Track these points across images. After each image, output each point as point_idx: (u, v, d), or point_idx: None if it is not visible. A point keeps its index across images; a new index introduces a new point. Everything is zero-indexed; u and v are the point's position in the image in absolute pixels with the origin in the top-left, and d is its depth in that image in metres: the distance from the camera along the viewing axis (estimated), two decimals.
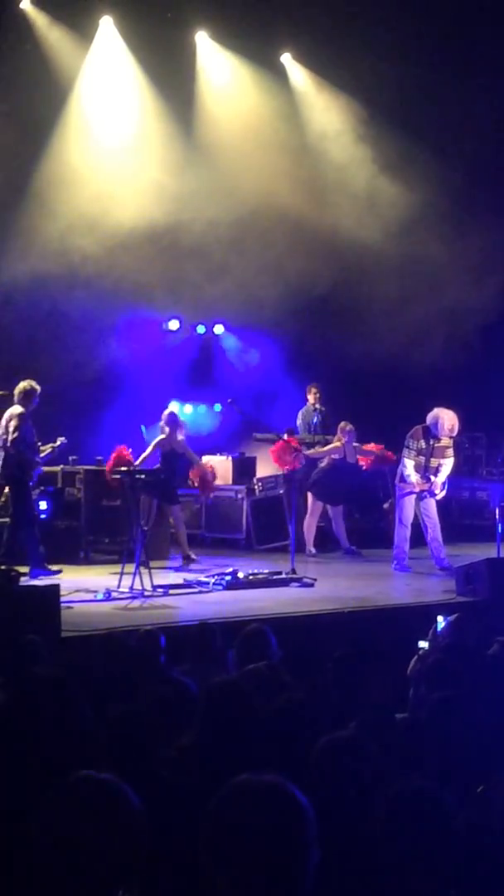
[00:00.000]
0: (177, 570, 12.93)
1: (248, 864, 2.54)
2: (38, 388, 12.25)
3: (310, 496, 14.51)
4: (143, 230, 15.53)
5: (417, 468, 12.85)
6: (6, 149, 15.03)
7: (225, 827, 2.60)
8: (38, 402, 12.24)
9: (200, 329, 17.59)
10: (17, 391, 12.18)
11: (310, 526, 14.45)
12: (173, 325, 17.19)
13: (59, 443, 12.77)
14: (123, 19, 15.66)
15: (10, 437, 11.95)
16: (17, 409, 12.09)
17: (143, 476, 12.25)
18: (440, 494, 13.06)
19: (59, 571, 11.78)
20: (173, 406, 14.54)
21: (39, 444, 12.38)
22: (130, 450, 12.97)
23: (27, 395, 12.15)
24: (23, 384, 12.22)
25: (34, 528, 12.08)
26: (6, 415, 12.15)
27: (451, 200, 16.11)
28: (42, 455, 12.41)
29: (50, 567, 11.91)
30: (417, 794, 3.46)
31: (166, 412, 13.81)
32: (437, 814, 3.37)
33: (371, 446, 14.47)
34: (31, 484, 12.23)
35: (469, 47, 15.76)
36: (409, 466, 12.84)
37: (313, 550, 14.26)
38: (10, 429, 11.97)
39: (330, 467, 14.36)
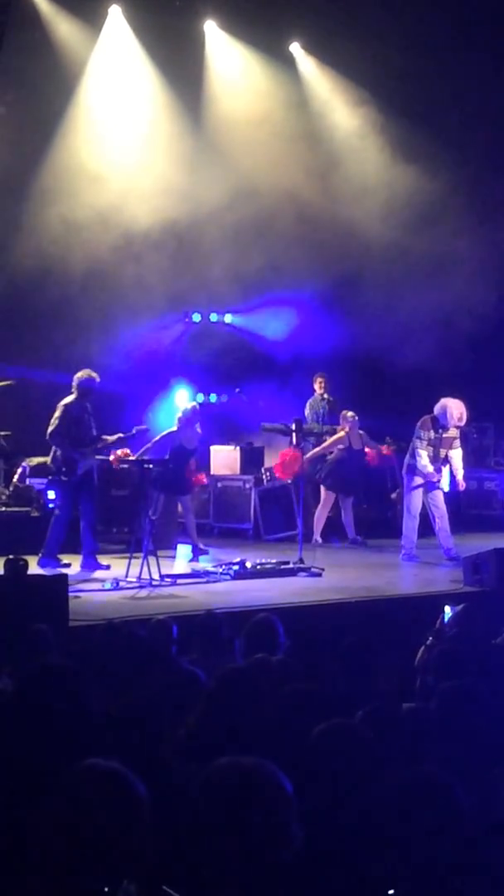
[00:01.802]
0: (193, 559, 12.94)
1: (229, 841, 2.57)
2: (95, 376, 12.10)
3: (322, 489, 14.55)
4: (152, 222, 15.51)
5: (429, 458, 12.85)
6: (13, 139, 15.02)
7: (208, 806, 2.63)
8: (95, 391, 12.11)
9: (213, 317, 17.56)
10: (74, 379, 12.05)
11: (320, 517, 14.51)
12: (183, 315, 17.18)
13: (134, 431, 12.58)
14: (131, 8, 15.63)
15: (48, 430, 11.89)
16: (66, 399, 11.98)
17: (151, 466, 12.22)
18: (446, 487, 13.07)
19: (68, 565, 11.74)
20: (184, 396, 14.49)
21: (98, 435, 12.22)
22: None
23: (79, 386, 12.01)
24: (79, 374, 12.09)
25: (65, 522, 11.93)
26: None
27: (462, 191, 16.08)
28: (103, 445, 12.22)
29: (61, 560, 11.89)
30: (426, 781, 3.47)
31: (188, 406, 13.61)
32: (445, 801, 3.38)
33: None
34: (71, 478, 11.91)
35: (480, 35, 15.71)
36: (423, 457, 12.81)
37: (319, 540, 14.27)
38: (52, 420, 11.89)
39: (338, 458, 14.45)
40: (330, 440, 14.63)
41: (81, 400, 12.05)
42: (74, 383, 12.07)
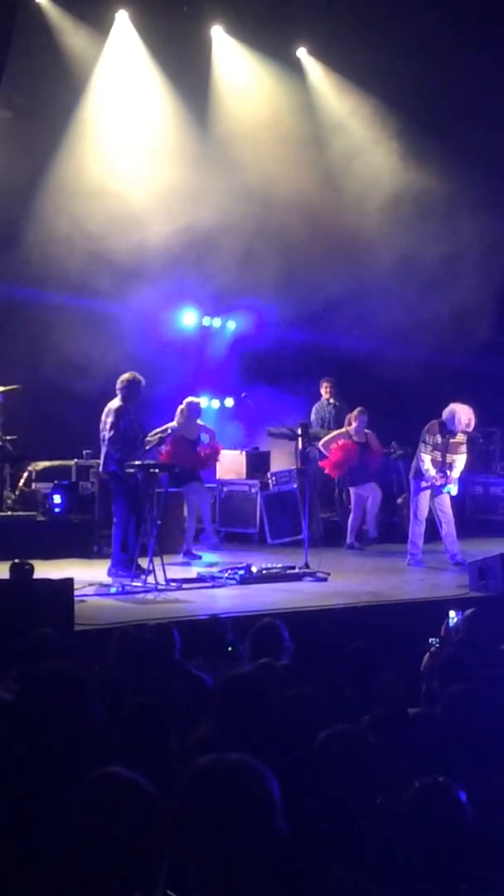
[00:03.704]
0: (185, 564, 12.91)
1: (212, 838, 2.57)
2: (141, 379, 11.98)
3: (352, 492, 14.55)
4: (159, 227, 15.52)
5: (434, 463, 12.85)
6: (21, 144, 15.03)
7: (191, 803, 2.63)
8: (141, 393, 12.03)
9: (216, 323, 17.56)
10: (119, 381, 11.95)
11: (355, 519, 14.54)
12: (188, 319, 17.19)
13: (168, 430, 12.61)
14: (138, 13, 15.63)
15: (106, 435, 11.78)
16: (115, 402, 11.87)
17: (156, 471, 12.20)
18: (453, 490, 13.06)
19: (136, 576, 11.45)
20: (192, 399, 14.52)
21: (146, 435, 12.20)
22: None
23: (127, 387, 11.88)
24: (125, 375, 11.98)
25: (125, 526, 11.73)
26: (106, 408, 11.93)
27: (472, 194, 16.07)
28: (149, 446, 12.20)
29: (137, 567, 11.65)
30: (434, 790, 3.48)
31: (190, 400, 13.74)
32: (451, 808, 3.38)
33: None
34: (130, 481, 11.70)
35: (489, 39, 15.68)
36: (426, 461, 12.83)
37: (356, 545, 14.36)
38: (108, 425, 11.78)
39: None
40: (334, 433, 14.66)
41: (127, 403, 11.94)
42: (119, 386, 11.97)
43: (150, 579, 11.11)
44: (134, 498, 11.80)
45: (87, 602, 9.93)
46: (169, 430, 12.91)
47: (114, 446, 11.80)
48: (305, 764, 3.81)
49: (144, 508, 11.61)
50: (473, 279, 15.98)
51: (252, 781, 2.67)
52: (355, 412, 14.67)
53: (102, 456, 12.02)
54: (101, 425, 11.94)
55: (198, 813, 2.63)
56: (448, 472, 12.92)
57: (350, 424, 14.63)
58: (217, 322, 17.60)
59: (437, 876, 3.26)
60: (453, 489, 13.03)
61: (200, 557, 13.25)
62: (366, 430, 14.66)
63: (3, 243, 15.10)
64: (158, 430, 12.71)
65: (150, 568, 11.19)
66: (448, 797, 3.45)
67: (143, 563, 11.36)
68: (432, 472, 12.82)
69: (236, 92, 16.61)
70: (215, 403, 17.19)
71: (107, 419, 11.86)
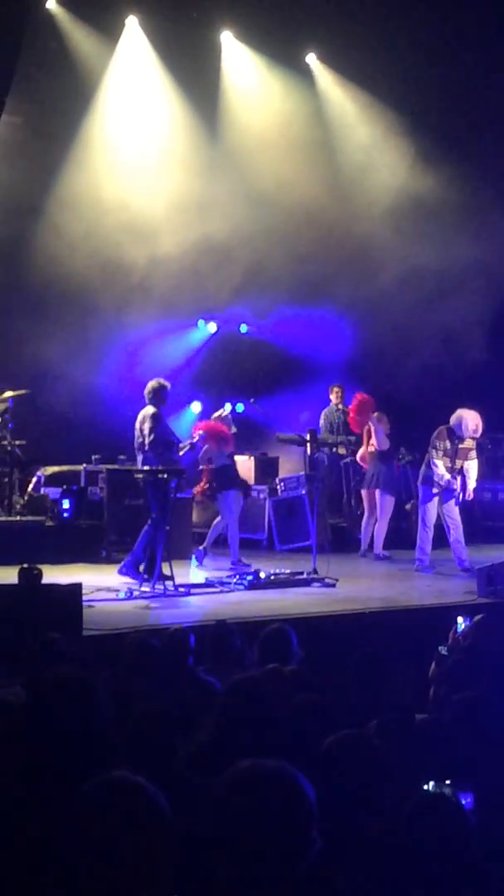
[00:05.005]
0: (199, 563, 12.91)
1: (248, 845, 2.57)
2: (167, 385, 11.97)
3: (378, 496, 14.38)
4: (168, 234, 15.56)
5: (446, 469, 12.83)
6: (30, 149, 15.07)
7: (228, 809, 2.62)
8: (170, 399, 12.02)
9: (226, 328, 17.57)
10: (146, 390, 11.89)
11: (381, 527, 14.38)
12: (199, 326, 17.21)
13: (196, 438, 12.64)
14: (148, 19, 15.68)
15: (146, 440, 11.72)
16: (149, 409, 11.81)
17: (165, 476, 12.18)
18: (469, 496, 13.05)
19: (145, 580, 11.41)
20: (196, 405, 14.53)
21: (179, 442, 12.18)
22: None
23: (157, 393, 11.85)
24: (152, 383, 11.94)
25: (156, 532, 11.56)
26: (140, 415, 11.87)
27: (482, 202, 16.07)
28: (182, 452, 12.21)
29: (140, 573, 11.59)
30: (433, 799, 3.48)
31: (224, 413, 13.71)
32: (452, 817, 3.38)
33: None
34: (172, 486, 11.64)
35: (498, 44, 15.69)
36: (440, 466, 12.78)
37: (385, 553, 14.16)
38: (146, 431, 11.73)
39: (375, 461, 14.41)
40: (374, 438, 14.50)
41: (159, 408, 11.92)
42: (148, 395, 11.88)
43: (159, 585, 11.11)
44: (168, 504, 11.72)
45: (95, 607, 9.92)
46: (195, 441, 12.89)
47: (154, 451, 11.77)
48: (311, 770, 3.81)
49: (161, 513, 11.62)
50: (482, 285, 15.98)
51: (291, 789, 2.66)
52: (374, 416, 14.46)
53: (140, 462, 11.94)
54: (136, 433, 11.89)
55: (235, 819, 2.62)
56: (458, 477, 12.90)
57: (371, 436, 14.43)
58: (213, 328, 17.56)
59: (442, 884, 3.25)
60: (469, 495, 13.03)
61: (250, 566, 12.86)
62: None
63: (13, 248, 15.13)
64: (188, 441, 12.68)
65: (169, 573, 11.17)
66: (448, 806, 3.44)
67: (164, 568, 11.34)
68: (447, 476, 12.79)
69: (246, 98, 16.65)
70: (227, 407, 17.17)
71: (143, 426, 11.81)
